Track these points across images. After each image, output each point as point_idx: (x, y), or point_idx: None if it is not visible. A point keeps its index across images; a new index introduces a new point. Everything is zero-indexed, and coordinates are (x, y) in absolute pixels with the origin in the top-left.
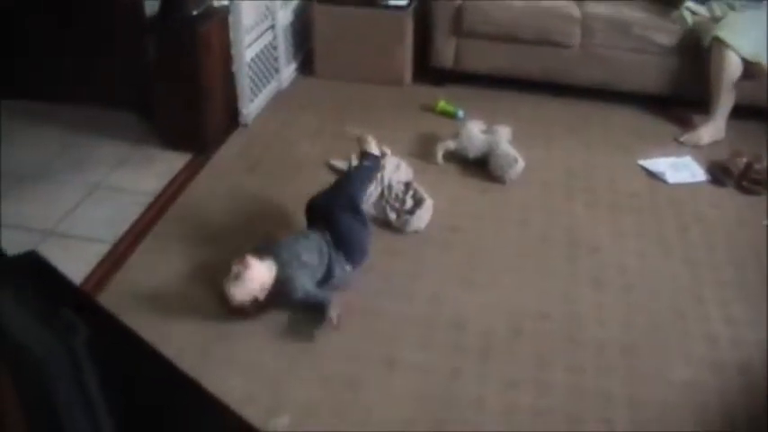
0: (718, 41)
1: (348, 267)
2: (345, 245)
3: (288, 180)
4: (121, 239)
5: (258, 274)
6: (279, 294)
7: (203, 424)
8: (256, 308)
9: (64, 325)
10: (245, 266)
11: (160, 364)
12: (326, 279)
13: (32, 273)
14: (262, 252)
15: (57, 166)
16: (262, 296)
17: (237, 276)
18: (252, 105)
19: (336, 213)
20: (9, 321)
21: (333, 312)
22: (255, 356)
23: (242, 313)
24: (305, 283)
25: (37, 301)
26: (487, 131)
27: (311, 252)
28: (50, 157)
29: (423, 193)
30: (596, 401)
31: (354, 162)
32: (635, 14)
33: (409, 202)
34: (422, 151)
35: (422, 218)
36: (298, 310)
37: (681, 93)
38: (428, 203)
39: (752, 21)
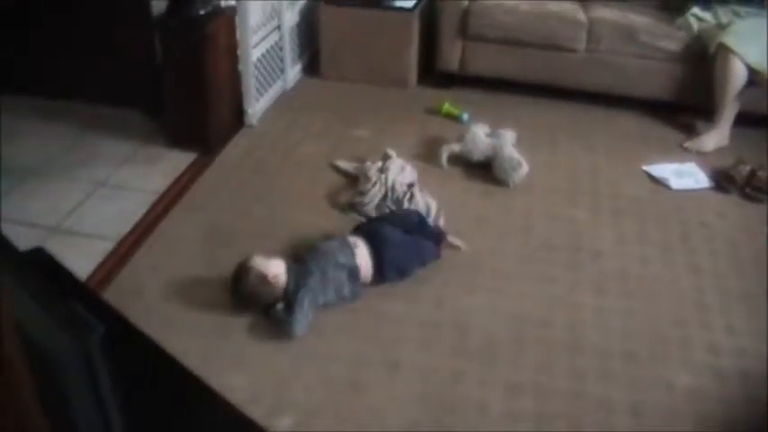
0: (724, 48)
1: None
2: (382, 254)
3: (292, 180)
4: (126, 237)
5: (274, 269)
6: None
7: (209, 421)
8: (268, 300)
9: (78, 323)
10: (256, 264)
11: (167, 363)
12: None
13: (41, 269)
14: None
15: (62, 163)
16: (276, 288)
17: (250, 269)
18: (257, 105)
19: (384, 225)
20: (25, 319)
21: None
22: (259, 356)
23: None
24: (306, 305)
25: (48, 298)
26: (492, 135)
27: (333, 268)
28: (56, 153)
29: (425, 195)
30: (598, 407)
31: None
32: (641, 20)
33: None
34: (426, 154)
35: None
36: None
37: (686, 99)
38: (433, 206)
39: (757, 28)
